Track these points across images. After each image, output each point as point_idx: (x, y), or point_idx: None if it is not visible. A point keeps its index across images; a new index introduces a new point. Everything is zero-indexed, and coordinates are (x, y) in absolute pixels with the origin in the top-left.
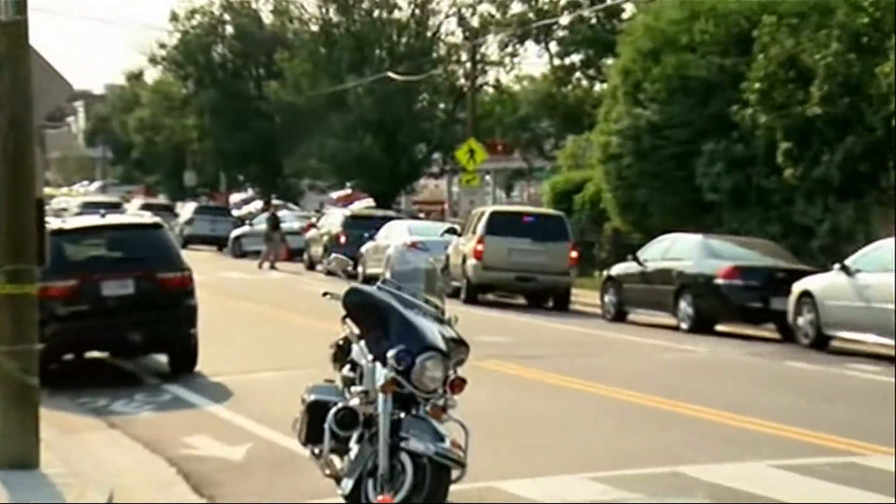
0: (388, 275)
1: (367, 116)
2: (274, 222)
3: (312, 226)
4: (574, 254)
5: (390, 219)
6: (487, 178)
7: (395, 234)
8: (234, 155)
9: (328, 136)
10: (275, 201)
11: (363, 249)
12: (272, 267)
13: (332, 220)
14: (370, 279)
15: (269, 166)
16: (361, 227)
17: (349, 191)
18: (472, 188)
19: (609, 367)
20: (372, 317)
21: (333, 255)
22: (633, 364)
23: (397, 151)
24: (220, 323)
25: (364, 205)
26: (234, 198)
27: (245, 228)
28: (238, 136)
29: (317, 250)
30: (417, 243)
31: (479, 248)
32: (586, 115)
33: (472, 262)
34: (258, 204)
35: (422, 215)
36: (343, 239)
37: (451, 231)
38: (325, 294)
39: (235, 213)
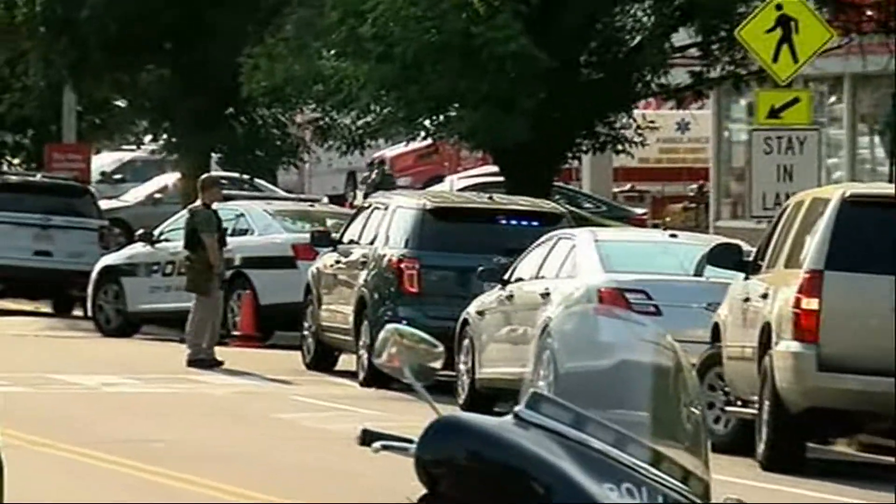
0: (542, 383)
1: None
2: (211, 229)
3: (324, 240)
4: None
5: (551, 221)
6: (833, 100)
7: (563, 266)
8: (101, 38)
9: None
10: (216, 172)
11: (472, 310)
12: (209, 361)
13: (385, 223)
14: (488, 394)
15: (198, 74)
16: (464, 245)
17: (417, 145)
18: (790, 128)
19: None
20: None
21: (392, 326)
22: None
23: (566, 26)
24: None
25: (467, 182)
26: (104, 161)
27: (135, 250)
28: None
29: (337, 312)
30: (625, 292)
31: (811, 305)
32: None
33: (788, 345)
34: (169, 178)
35: (639, 212)
36: (414, 277)
37: (727, 258)
38: (366, 437)
39: (108, 204)
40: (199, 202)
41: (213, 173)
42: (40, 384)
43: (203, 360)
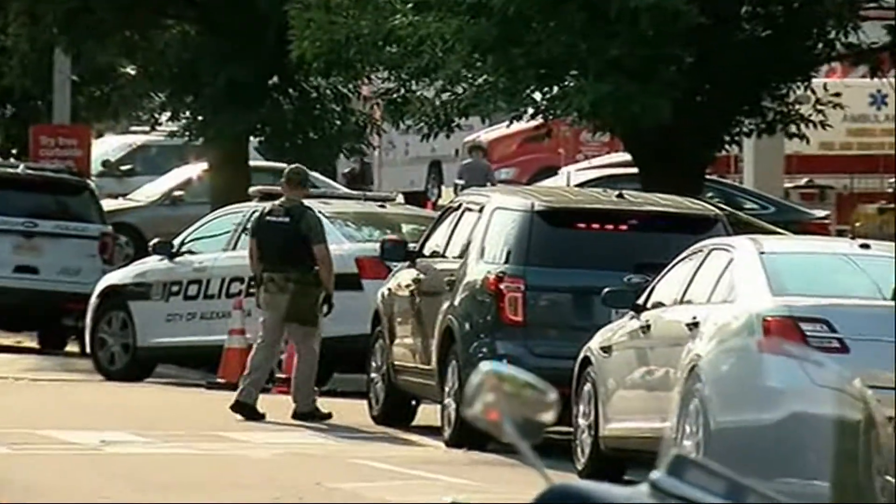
0: (687, 442)
1: None
2: (322, 235)
3: (399, 252)
4: None
5: (701, 227)
6: None
7: (717, 287)
8: None
9: None
10: (258, 162)
11: (595, 346)
12: (249, 410)
13: (480, 230)
14: (616, 456)
15: (233, 33)
16: (585, 259)
17: (523, 126)
18: None
19: None
20: None
21: (488, 366)
22: None
23: None
24: None
25: (589, 175)
26: (107, 147)
27: (148, 265)
28: None
29: (415, 349)
30: (799, 321)
31: None
32: None
33: None
34: (193, 170)
35: (819, 214)
36: (517, 302)
37: None
38: None
39: (112, 204)
40: (280, 202)
41: (298, 165)
42: (21, 443)
43: (316, 411)
